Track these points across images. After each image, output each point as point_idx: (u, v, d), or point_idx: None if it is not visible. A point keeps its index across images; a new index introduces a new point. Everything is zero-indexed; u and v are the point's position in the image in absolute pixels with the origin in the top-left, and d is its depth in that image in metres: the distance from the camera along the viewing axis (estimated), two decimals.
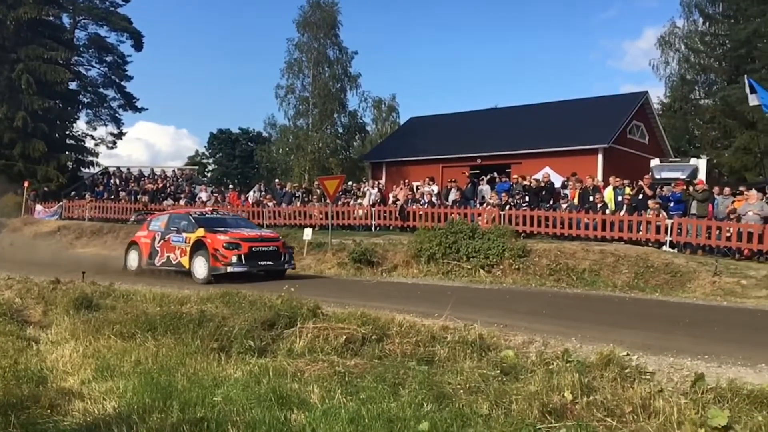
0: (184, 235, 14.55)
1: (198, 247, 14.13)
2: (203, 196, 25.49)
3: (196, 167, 42.65)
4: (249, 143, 56.52)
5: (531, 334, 7.65)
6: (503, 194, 18.85)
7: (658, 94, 36.85)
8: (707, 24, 35.30)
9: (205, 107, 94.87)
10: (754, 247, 13.99)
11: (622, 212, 16.52)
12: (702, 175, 19.16)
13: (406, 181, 23.74)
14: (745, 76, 21.67)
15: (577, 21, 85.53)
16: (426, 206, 19.89)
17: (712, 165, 23.46)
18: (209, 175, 55.19)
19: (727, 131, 30.49)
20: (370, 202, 21.47)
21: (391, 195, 22.47)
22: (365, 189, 23.50)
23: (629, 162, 23.84)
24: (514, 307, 10.34)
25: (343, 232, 19.75)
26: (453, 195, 20.84)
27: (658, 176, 19.09)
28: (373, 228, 19.99)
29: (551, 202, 18.30)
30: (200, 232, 14.31)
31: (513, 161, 25.55)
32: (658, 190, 17.25)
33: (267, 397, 5.14)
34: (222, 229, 14.54)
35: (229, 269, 13.58)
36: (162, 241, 15.10)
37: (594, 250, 14.90)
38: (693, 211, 15.62)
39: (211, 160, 60.80)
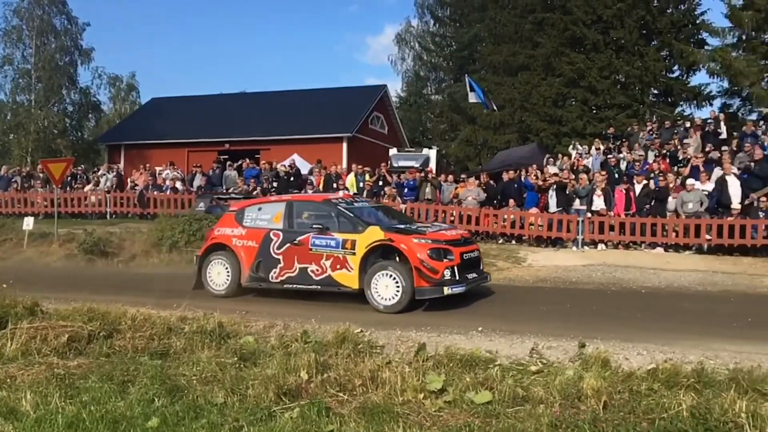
0: (339, 237, 9.39)
1: (377, 255, 9.25)
2: None
3: None
4: None
5: (273, 319, 7.75)
6: (251, 180, 18.72)
7: (396, 88, 39.70)
8: (437, 25, 39.01)
9: None
10: (472, 228, 15.80)
11: None
12: (433, 164, 21.14)
13: (147, 165, 22.29)
14: (466, 75, 24.41)
15: (326, 13, 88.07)
16: (168, 192, 18.91)
17: (441, 155, 25.91)
18: None
19: (453, 125, 33.91)
20: (106, 188, 19.77)
21: (129, 180, 20.93)
22: (101, 173, 21.57)
23: (370, 150, 25.33)
24: (259, 293, 10.33)
25: (73, 221, 17.82)
26: (198, 181, 20.11)
27: (395, 164, 20.60)
28: (108, 216, 18.41)
29: (299, 189, 18.67)
30: (376, 232, 9.25)
31: (262, 147, 25.46)
32: (396, 177, 18.59)
33: None
34: (403, 226, 9.77)
35: (447, 290, 8.82)
36: (288, 244, 9.73)
37: None
38: (427, 196, 17.12)
39: None
